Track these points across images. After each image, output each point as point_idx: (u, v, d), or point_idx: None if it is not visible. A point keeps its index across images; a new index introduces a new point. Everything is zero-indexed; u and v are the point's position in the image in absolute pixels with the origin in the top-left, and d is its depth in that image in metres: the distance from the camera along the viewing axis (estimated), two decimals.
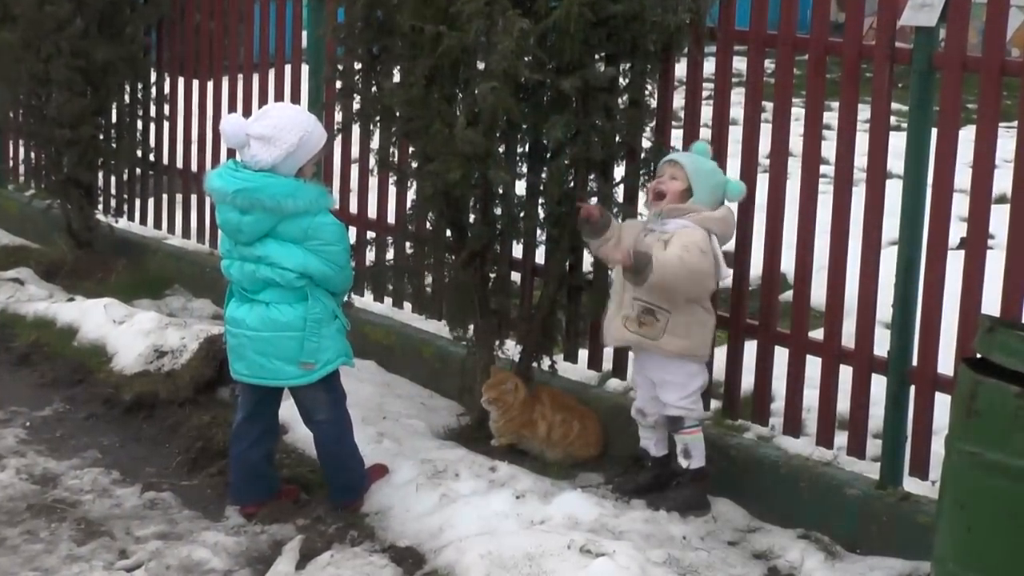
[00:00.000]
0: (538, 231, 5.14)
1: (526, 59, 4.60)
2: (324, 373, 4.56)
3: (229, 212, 4.46)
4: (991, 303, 4.25)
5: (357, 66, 5.15)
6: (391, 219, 6.00)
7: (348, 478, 4.72)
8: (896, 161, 4.45)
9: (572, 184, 4.93)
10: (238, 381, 4.71)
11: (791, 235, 4.72)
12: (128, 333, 5.95)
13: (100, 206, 7.65)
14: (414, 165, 5.15)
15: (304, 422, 4.75)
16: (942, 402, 4.23)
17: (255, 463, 4.68)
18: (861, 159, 4.54)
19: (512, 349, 5.32)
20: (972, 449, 3.56)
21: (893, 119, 4.61)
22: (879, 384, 4.56)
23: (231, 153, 6.60)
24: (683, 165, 4.64)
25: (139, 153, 7.53)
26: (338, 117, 5.51)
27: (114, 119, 7.53)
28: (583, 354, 5.40)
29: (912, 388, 4.49)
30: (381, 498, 4.71)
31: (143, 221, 7.61)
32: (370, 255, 5.96)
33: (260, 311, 4.49)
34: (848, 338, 4.65)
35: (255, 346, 4.51)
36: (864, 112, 4.50)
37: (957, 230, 4.54)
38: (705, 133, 4.94)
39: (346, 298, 4.94)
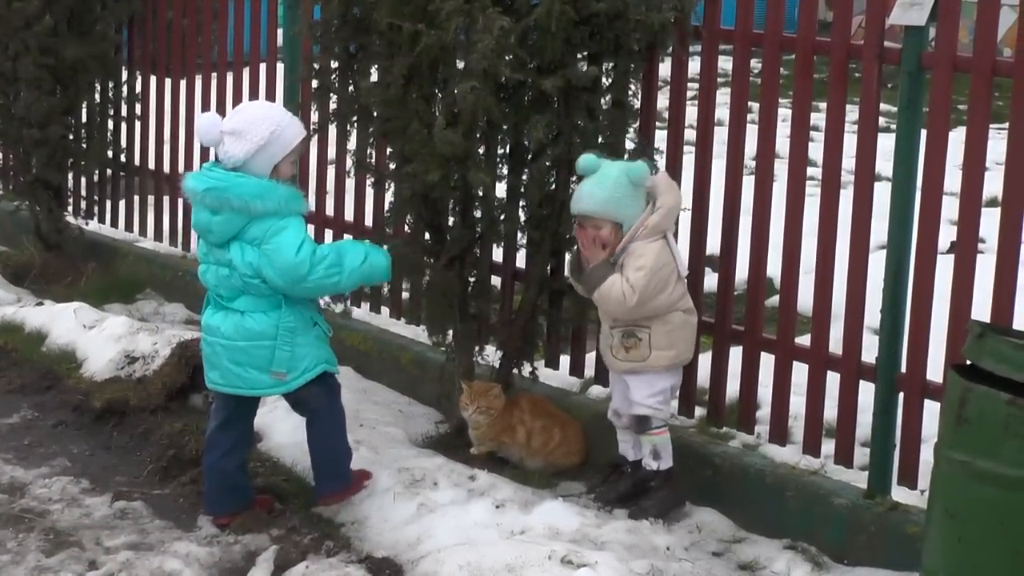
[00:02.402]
0: (519, 234, 5.12)
1: (507, 58, 4.57)
2: (301, 382, 4.48)
3: (201, 212, 4.42)
4: (981, 308, 4.22)
5: (334, 65, 5.12)
6: (368, 222, 5.92)
7: (337, 467, 4.62)
8: (885, 163, 4.42)
9: (553, 186, 4.90)
10: (213, 390, 4.63)
11: (777, 238, 4.69)
12: (98, 338, 5.89)
13: (70, 208, 7.62)
14: (392, 166, 5.13)
15: (296, 411, 4.64)
16: (931, 409, 4.23)
17: (229, 473, 4.61)
18: (849, 161, 4.52)
19: (492, 355, 5.26)
20: (962, 457, 3.54)
21: (882, 120, 4.60)
22: (867, 391, 4.53)
23: (204, 154, 6.52)
24: (593, 213, 4.51)
25: (110, 154, 7.50)
26: (314, 117, 5.45)
27: (84, 119, 7.49)
28: (564, 360, 5.36)
29: (901, 395, 4.46)
30: (358, 507, 4.65)
31: (114, 223, 7.58)
32: None
33: (235, 319, 4.43)
34: (836, 344, 4.62)
35: (230, 355, 4.45)
36: (852, 113, 4.47)
37: (947, 234, 4.51)
38: (690, 134, 4.92)
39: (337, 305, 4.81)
